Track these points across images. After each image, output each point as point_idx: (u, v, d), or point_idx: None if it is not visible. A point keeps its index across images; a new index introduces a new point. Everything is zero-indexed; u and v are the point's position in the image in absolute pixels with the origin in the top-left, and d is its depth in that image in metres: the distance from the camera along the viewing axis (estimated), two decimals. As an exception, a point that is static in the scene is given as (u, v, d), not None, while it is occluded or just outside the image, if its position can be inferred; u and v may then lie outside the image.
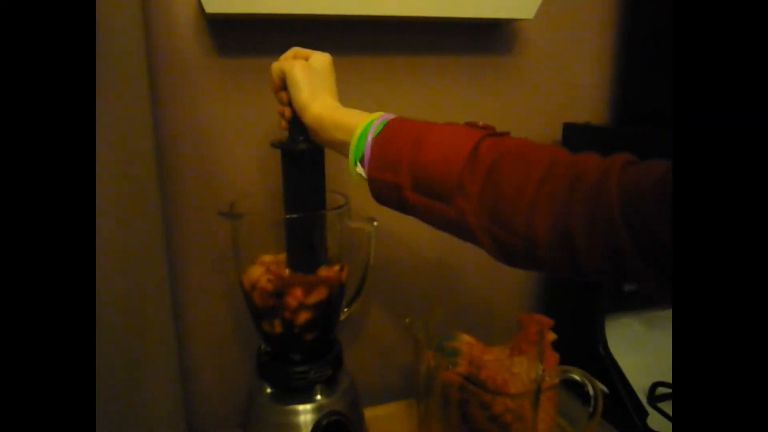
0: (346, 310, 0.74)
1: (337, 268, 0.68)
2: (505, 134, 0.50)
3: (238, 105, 0.75)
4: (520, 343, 0.67)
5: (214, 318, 0.82)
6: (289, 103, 0.62)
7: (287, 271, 0.66)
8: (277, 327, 0.67)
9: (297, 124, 0.62)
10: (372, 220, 0.70)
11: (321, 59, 0.62)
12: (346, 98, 0.79)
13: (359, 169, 0.55)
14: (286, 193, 0.66)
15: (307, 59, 0.62)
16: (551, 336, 0.72)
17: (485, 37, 0.84)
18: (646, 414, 0.76)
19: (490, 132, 0.50)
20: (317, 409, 0.67)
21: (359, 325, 0.90)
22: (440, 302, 0.92)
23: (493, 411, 0.62)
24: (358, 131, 0.54)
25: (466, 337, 0.70)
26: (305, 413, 0.67)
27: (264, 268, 0.66)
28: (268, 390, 0.70)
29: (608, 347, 0.81)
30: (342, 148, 0.57)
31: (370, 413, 0.78)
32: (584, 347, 0.82)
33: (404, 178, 0.51)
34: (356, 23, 0.77)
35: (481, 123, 0.52)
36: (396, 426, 0.83)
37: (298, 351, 0.70)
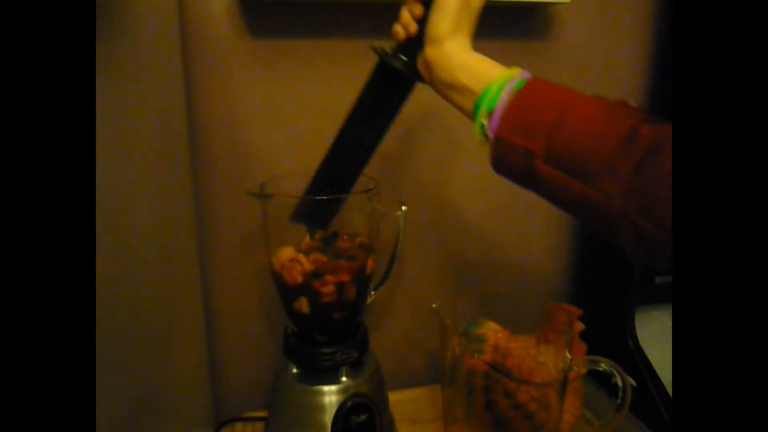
0: (372, 293, 0.74)
1: (358, 240, 0.69)
2: (665, 121, 0.45)
3: (270, 86, 0.76)
4: (547, 332, 0.67)
5: (242, 298, 0.83)
6: (420, 21, 0.55)
7: (316, 255, 0.66)
8: (305, 307, 0.67)
9: (413, 45, 0.56)
10: (401, 204, 0.70)
11: None
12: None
13: (485, 122, 0.49)
14: (355, 111, 0.61)
15: None
16: (579, 326, 0.71)
17: (520, 21, 0.82)
18: (674, 408, 0.75)
19: (648, 116, 0.45)
20: (342, 391, 0.68)
21: (386, 310, 0.90)
22: (467, 288, 0.92)
23: (518, 399, 0.62)
24: (496, 83, 0.49)
25: (493, 325, 0.69)
26: (330, 394, 0.67)
27: (292, 248, 0.67)
28: (294, 370, 0.70)
29: (637, 340, 0.80)
30: (462, 95, 0.52)
31: (394, 397, 0.78)
32: (613, 339, 0.81)
33: (539, 145, 0.45)
34: (391, 7, 0.76)
35: (633, 104, 0.47)
36: (420, 411, 0.83)
37: (325, 332, 0.70)
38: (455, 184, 0.87)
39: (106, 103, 0.59)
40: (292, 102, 0.77)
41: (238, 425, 0.82)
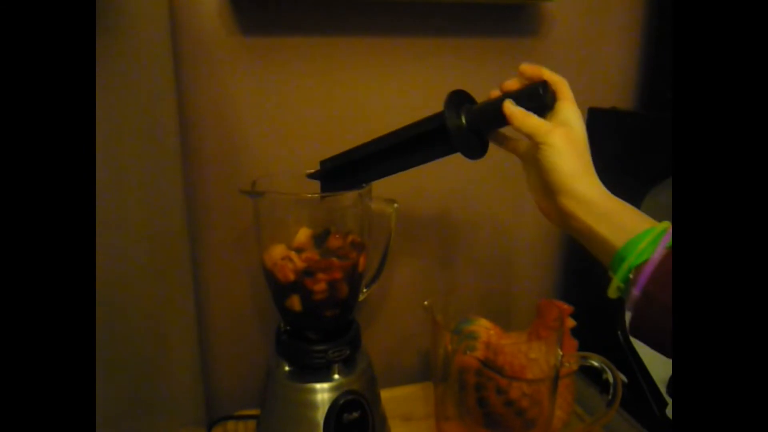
0: (365, 290, 0.74)
1: (350, 238, 0.69)
2: None
3: (261, 84, 0.75)
4: (538, 329, 0.67)
5: (234, 296, 0.83)
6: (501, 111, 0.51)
7: (308, 253, 0.67)
8: (297, 304, 0.67)
9: (484, 119, 0.54)
10: (392, 201, 0.70)
11: (581, 129, 0.50)
12: (369, 81, 0.79)
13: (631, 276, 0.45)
14: (397, 133, 0.59)
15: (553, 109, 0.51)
16: (570, 322, 0.71)
17: (510, 19, 0.83)
18: (665, 404, 0.75)
19: None
20: (335, 388, 0.68)
21: (378, 307, 0.90)
22: (459, 285, 0.92)
23: (510, 396, 0.62)
24: (647, 237, 0.44)
25: (484, 321, 0.70)
26: (323, 392, 0.67)
27: (284, 246, 0.67)
28: (287, 368, 0.70)
29: (628, 336, 0.80)
30: (600, 246, 0.48)
31: (387, 394, 0.78)
32: (604, 335, 0.81)
33: None
34: (380, 4, 0.76)
35: None
36: (412, 408, 0.84)
37: (317, 329, 0.70)
38: (446, 182, 0.87)
39: (96, 101, 0.58)
40: (284, 99, 0.76)
41: (230, 423, 0.81)
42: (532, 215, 0.93)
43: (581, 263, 0.94)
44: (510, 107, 0.51)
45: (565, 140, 0.48)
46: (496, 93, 0.55)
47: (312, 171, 0.68)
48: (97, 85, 0.58)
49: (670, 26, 0.84)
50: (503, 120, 0.52)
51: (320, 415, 0.67)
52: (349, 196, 0.67)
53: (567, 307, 0.68)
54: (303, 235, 0.68)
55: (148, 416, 0.71)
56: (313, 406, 0.67)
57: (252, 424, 0.79)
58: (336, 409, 0.67)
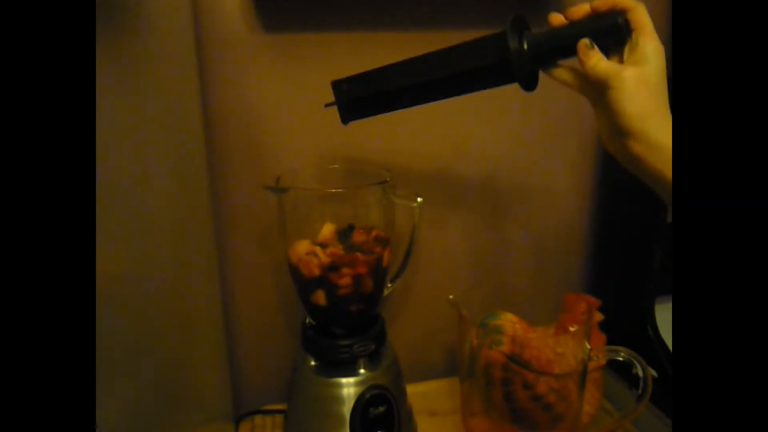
0: (389, 285, 0.74)
1: (374, 233, 0.69)
2: None
3: (284, 80, 0.76)
4: (565, 323, 0.66)
5: (260, 292, 0.84)
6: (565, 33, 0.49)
7: (332, 248, 0.67)
8: (322, 299, 0.68)
9: (559, 51, 0.50)
10: (416, 195, 0.69)
11: (658, 66, 0.47)
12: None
13: None
14: (444, 57, 0.55)
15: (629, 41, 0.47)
16: (598, 316, 0.70)
17: (533, 8, 0.81)
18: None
19: None
20: (360, 383, 0.68)
21: (403, 302, 0.90)
22: (484, 279, 0.92)
23: (537, 391, 0.62)
24: None
25: (510, 316, 0.69)
26: (348, 386, 0.68)
27: (309, 242, 0.67)
28: (313, 363, 0.71)
29: (658, 330, 0.79)
30: (663, 187, 0.46)
31: (413, 389, 0.78)
32: (632, 329, 0.80)
33: None
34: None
35: None
36: (438, 403, 0.83)
37: (343, 324, 0.71)
38: (471, 176, 0.86)
39: (121, 99, 0.59)
40: (307, 96, 0.76)
41: (258, 418, 0.82)
42: (558, 209, 0.92)
43: (609, 257, 0.92)
44: (586, 49, 0.48)
45: (634, 82, 0.45)
46: (558, 19, 0.52)
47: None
48: (120, 84, 0.59)
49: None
50: (570, 54, 0.49)
51: (346, 410, 0.67)
52: (372, 191, 0.67)
53: (594, 301, 0.67)
54: (327, 230, 0.69)
55: (177, 411, 0.72)
56: (339, 400, 0.67)
57: (279, 418, 0.80)
58: (362, 403, 0.67)
